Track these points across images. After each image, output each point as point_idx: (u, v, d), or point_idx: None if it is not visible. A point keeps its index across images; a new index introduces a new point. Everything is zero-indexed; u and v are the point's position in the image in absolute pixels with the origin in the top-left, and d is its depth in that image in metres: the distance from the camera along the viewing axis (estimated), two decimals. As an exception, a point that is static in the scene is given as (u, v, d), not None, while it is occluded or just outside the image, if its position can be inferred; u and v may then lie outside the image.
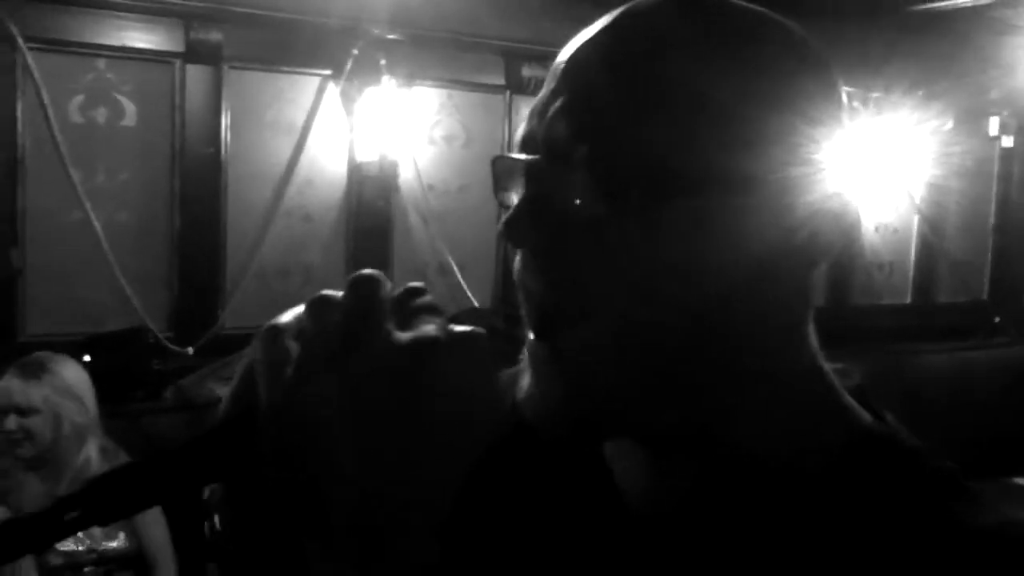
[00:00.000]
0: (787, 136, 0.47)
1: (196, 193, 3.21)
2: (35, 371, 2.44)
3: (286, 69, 3.34)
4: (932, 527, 0.47)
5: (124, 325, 3.08)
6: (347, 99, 3.42)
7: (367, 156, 3.44)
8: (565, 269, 0.48)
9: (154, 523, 2.49)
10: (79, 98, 3.06)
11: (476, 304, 3.65)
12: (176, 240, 3.20)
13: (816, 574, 0.47)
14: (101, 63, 3.09)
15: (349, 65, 3.36)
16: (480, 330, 0.41)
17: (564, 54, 0.51)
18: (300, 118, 3.36)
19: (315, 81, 3.38)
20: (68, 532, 0.40)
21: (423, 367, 0.38)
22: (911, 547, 0.46)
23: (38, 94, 2.97)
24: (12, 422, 2.38)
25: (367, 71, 3.38)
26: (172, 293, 3.22)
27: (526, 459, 0.56)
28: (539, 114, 0.50)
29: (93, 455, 2.55)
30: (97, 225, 3.05)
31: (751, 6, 0.50)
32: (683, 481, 0.52)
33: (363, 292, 0.40)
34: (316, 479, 0.38)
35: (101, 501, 0.40)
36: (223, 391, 2.52)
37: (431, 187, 3.60)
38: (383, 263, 3.53)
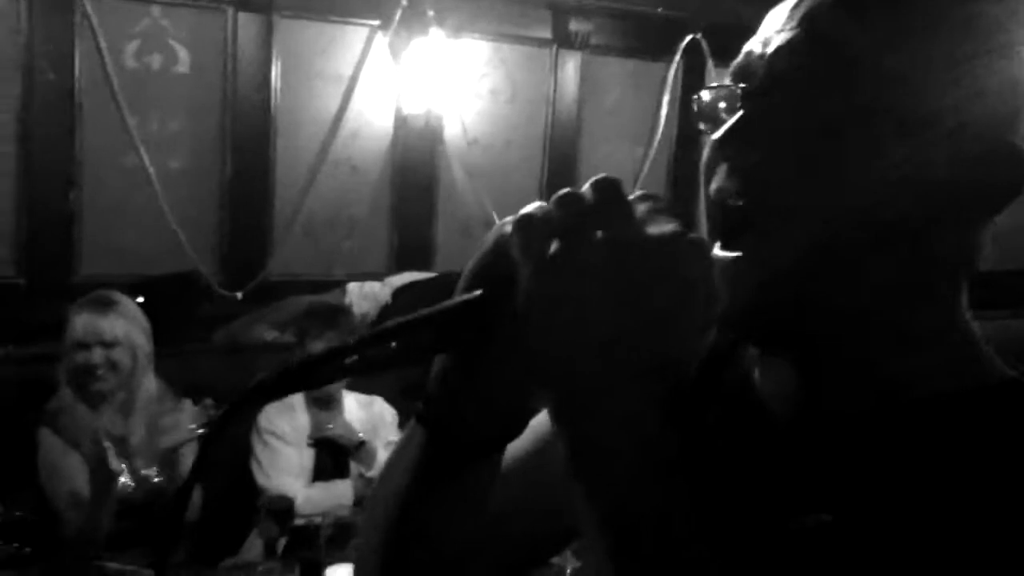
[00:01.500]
0: (989, 86, 0.52)
1: (246, 141, 3.26)
2: (109, 306, 2.55)
3: (335, 19, 3.36)
4: None
5: (175, 268, 3.16)
6: (395, 50, 3.43)
7: (413, 109, 3.46)
8: (769, 183, 0.53)
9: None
10: (134, 43, 3.11)
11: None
12: (226, 187, 3.26)
13: (952, 498, 0.51)
14: (156, 9, 3.13)
15: (398, 15, 3.37)
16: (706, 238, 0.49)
17: (786, 5, 0.57)
18: (348, 68, 3.39)
19: (364, 31, 3.40)
20: (347, 374, 0.51)
21: (670, 253, 0.46)
22: None
23: (95, 38, 3.02)
24: (98, 355, 2.49)
25: (415, 22, 3.39)
26: (222, 239, 3.29)
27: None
28: (761, 47, 0.56)
29: (153, 386, 2.66)
30: (151, 170, 3.12)
31: None
32: (835, 402, 0.57)
33: (609, 187, 0.47)
34: (571, 330, 0.45)
35: (378, 350, 0.49)
36: (270, 335, 2.58)
37: (475, 141, 3.62)
38: (427, 216, 3.58)
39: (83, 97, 3.03)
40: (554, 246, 0.46)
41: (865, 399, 0.56)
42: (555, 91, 3.72)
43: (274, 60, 3.27)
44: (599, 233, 0.46)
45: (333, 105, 3.37)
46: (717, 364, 0.64)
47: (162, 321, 2.90)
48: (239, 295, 3.27)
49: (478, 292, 0.50)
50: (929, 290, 0.56)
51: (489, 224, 3.66)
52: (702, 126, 0.59)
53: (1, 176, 2.99)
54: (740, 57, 0.58)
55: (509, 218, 0.50)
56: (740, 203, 0.54)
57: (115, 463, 2.55)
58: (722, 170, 0.56)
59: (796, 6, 0.56)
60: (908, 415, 0.55)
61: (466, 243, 3.65)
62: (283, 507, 2.25)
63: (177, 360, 2.95)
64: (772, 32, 0.57)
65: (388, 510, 0.61)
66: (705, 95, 0.59)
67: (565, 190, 0.48)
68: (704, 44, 3.92)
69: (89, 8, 2.99)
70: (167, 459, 2.55)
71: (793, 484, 0.57)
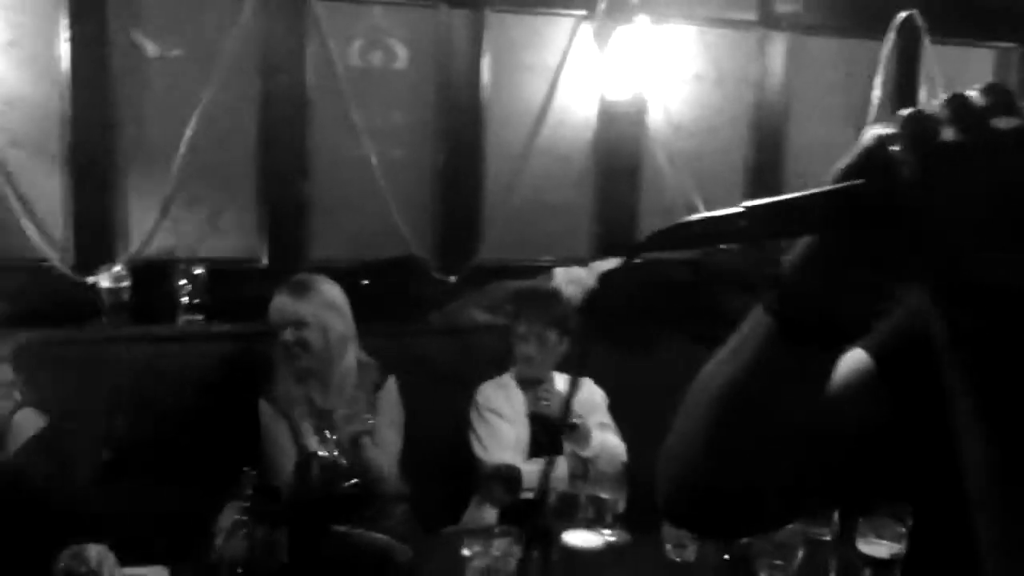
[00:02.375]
0: None
1: (459, 132, 3.40)
2: (302, 290, 2.75)
3: (543, 11, 3.45)
4: None
5: (394, 253, 3.34)
6: (600, 39, 3.48)
7: (617, 95, 3.50)
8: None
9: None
10: (358, 43, 3.32)
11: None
12: (440, 176, 3.42)
13: None
14: (377, 10, 3.32)
15: (603, 4, 3.42)
16: None
17: None
18: (555, 59, 3.47)
19: (570, 22, 3.47)
20: (739, 239, 0.56)
21: None
22: None
23: (322, 40, 3.25)
24: (289, 334, 2.70)
25: (620, 10, 3.43)
26: (436, 225, 3.44)
27: None
28: None
29: (352, 364, 2.83)
30: (373, 161, 3.31)
31: None
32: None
33: (1002, 89, 0.50)
34: (976, 210, 0.48)
35: (767, 217, 0.54)
36: (482, 318, 2.70)
37: (679, 127, 3.61)
38: (631, 202, 3.60)
39: (313, 94, 3.26)
40: (952, 134, 0.48)
41: None
42: (761, 74, 3.66)
43: (484, 53, 3.40)
44: (1001, 122, 0.47)
45: (540, 95, 3.46)
46: None
47: (384, 302, 3.08)
48: (452, 278, 3.41)
49: (859, 180, 0.53)
50: None
51: (692, 209, 3.64)
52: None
53: (244, 170, 3.26)
54: None
55: (878, 125, 0.52)
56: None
57: (311, 438, 2.74)
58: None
59: None
60: None
61: (670, 229, 3.65)
62: (513, 475, 2.33)
63: (396, 340, 3.13)
64: None
65: (723, 391, 0.66)
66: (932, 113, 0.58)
67: (947, 95, 0.50)
68: (919, 20, 3.73)
69: (318, 11, 3.22)
70: (353, 442, 2.71)
71: None
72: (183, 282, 3.18)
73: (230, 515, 2.81)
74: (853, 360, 0.71)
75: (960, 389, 0.50)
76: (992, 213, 0.48)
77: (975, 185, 0.48)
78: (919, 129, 0.50)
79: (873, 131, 0.54)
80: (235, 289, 3.25)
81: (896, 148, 0.51)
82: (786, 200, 0.55)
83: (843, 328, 0.61)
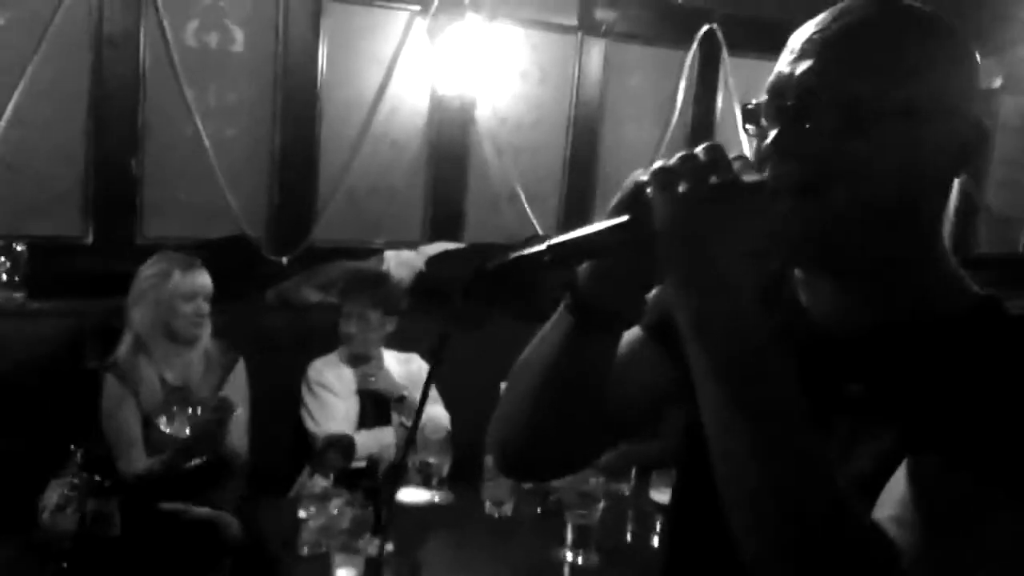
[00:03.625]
0: (950, 84, 0.80)
1: (295, 115, 3.50)
2: (198, 265, 2.91)
3: (379, 3, 3.59)
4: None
5: (227, 232, 3.41)
6: (432, 33, 3.67)
7: (448, 89, 3.70)
8: (813, 163, 0.79)
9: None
10: (194, 23, 3.34)
11: (539, 231, 3.94)
12: (276, 158, 3.50)
13: (950, 388, 0.76)
14: (214, -9, 3.36)
15: (436, 1, 3.61)
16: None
17: (804, 32, 0.83)
18: (389, 50, 3.62)
19: (405, 15, 3.63)
20: (546, 268, 0.75)
21: (757, 193, 0.71)
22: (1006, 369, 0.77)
23: (159, 19, 3.26)
24: (204, 305, 2.83)
25: (452, 7, 3.63)
26: (271, 205, 3.53)
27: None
28: (788, 71, 0.82)
29: (208, 343, 2.95)
30: (206, 140, 3.36)
31: (924, 7, 0.83)
32: (862, 316, 0.85)
33: (717, 149, 0.73)
34: (692, 240, 0.71)
35: (564, 252, 0.75)
36: (315, 297, 2.88)
37: (504, 120, 3.86)
38: (460, 189, 3.82)
39: (146, 72, 3.27)
40: (683, 186, 0.71)
41: (888, 310, 0.84)
42: (580, 75, 3.96)
43: (322, 41, 3.51)
44: (712, 178, 0.71)
45: (375, 84, 3.61)
46: (775, 283, 0.90)
47: (218, 280, 3.16)
48: (284, 259, 3.51)
49: (626, 217, 0.76)
50: (929, 231, 0.84)
51: (514, 198, 3.92)
52: (749, 128, 0.84)
53: (74, 143, 3.23)
54: (773, 76, 0.84)
55: (640, 170, 0.76)
56: (794, 176, 0.80)
57: (167, 415, 2.83)
58: (775, 162, 0.81)
59: (810, 39, 0.81)
60: (918, 331, 0.82)
61: (494, 216, 3.90)
62: (348, 442, 2.51)
63: (233, 317, 3.21)
64: (796, 55, 0.82)
65: (535, 374, 0.89)
66: (750, 105, 0.84)
67: (684, 152, 0.74)
68: (719, 34, 4.16)
69: (152, -12, 3.22)
70: (221, 408, 2.83)
71: (831, 366, 0.84)
72: (1, 259, 3.12)
73: (56, 491, 2.83)
74: (631, 336, 0.96)
75: (690, 358, 0.74)
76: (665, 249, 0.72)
77: (687, 227, 0.71)
78: (663, 181, 0.72)
79: (633, 176, 0.77)
80: (60, 266, 3.22)
81: (649, 192, 0.73)
82: (576, 237, 0.76)
83: (623, 316, 0.86)
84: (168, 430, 2.75)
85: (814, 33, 0.82)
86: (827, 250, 0.82)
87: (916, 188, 0.81)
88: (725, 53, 4.19)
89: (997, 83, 4.68)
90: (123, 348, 2.88)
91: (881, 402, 0.81)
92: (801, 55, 0.81)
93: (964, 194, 4.87)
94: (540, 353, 0.89)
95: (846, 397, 0.82)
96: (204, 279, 2.88)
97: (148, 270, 2.89)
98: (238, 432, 2.86)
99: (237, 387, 2.96)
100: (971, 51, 0.83)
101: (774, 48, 0.88)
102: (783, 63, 0.83)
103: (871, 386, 0.82)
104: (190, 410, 2.84)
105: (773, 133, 0.81)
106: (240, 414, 2.83)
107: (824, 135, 0.78)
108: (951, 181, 0.84)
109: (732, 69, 4.18)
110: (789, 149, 0.80)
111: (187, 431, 2.81)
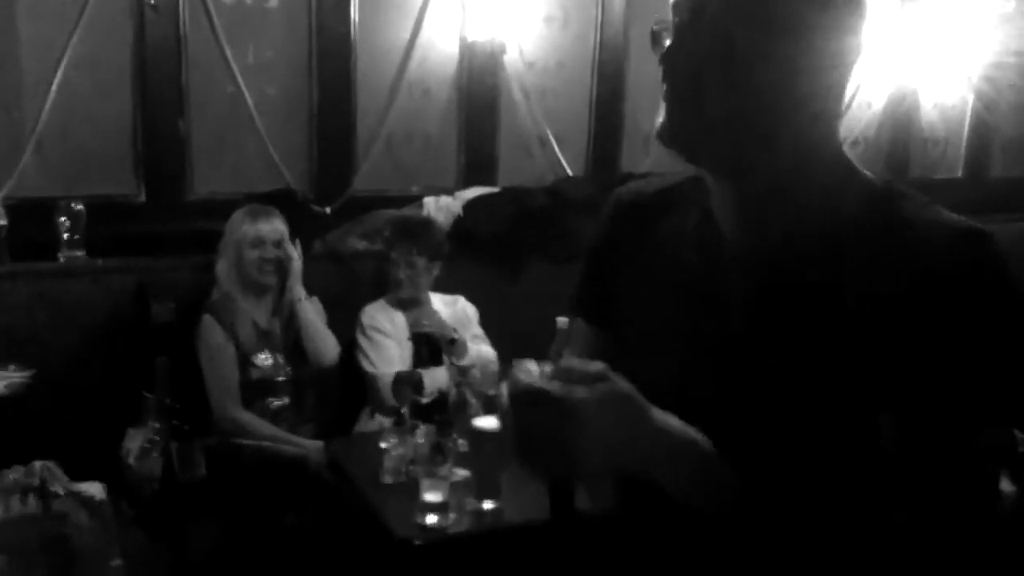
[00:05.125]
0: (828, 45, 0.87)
1: (331, 69, 3.58)
2: (271, 213, 3.08)
3: (409, -47, 3.65)
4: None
5: (273, 187, 3.52)
6: (460, -19, 3.72)
7: (477, 35, 3.77)
8: (699, 76, 0.87)
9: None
10: (230, -19, 3.41)
11: (570, 173, 4.04)
12: (315, 111, 3.60)
13: (857, 280, 0.87)
14: (248, -53, 3.42)
15: (463, -51, 3.66)
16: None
17: None
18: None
19: (434, -36, 3.69)
20: None
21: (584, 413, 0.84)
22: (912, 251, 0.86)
23: (195, -23, 3.33)
24: (271, 250, 3.00)
25: (479, -46, 3.67)
26: (311, 158, 3.63)
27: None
28: None
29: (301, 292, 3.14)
30: (248, 98, 3.45)
31: None
32: (765, 225, 0.92)
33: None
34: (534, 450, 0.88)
35: None
36: (360, 245, 3.05)
37: (532, 64, 3.94)
38: (491, 135, 3.92)
39: (187, 33, 3.35)
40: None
41: (788, 216, 0.91)
42: (603, 17, 4.01)
43: (353, -7, 3.57)
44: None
45: (406, 34, 3.68)
46: (690, 193, 1.01)
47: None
48: (328, 210, 3.63)
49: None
50: (816, 135, 0.91)
51: (544, 141, 4.01)
52: (655, 48, 0.92)
53: (122, 107, 3.32)
54: None
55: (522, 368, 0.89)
56: (681, 89, 0.90)
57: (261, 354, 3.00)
58: (663, 72, 0.90)
59: None
60: (819, 228, 0.90)
61: (526, 160, 4.00)
62: (417, 378, 2.65)
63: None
64: None
65: None
66: (656, 27, 0.92)
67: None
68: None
69: (188, -51, 3.29)
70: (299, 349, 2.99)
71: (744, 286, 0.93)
72: (63, 219, 3.24)
73: (136, 438, 3.00)
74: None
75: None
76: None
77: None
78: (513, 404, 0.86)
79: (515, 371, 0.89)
80: (114, 225, 3.34)
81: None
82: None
83: None
84: (266, 364, 2.98)
85: None
86: (710, 156, 0.91)
87: (788, 103, 0.87)
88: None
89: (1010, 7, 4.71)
90: (216, 293, 3.05)
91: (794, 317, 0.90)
92: None
93: (977, 118, 4.93)
94: None
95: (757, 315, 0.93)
96: (269, 226, 3.02)
97: (230, 222, 3.04)
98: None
99: (317, 311, 3.17)
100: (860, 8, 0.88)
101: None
102: None
103: (780, 305, 0.91)
104: (271, 351, 3.03)
105: (667, 47, 0.90)
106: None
107: (699, 54, 0.87)
108: (836, 88, 0.90)
109: None
110: (671, 60, 0.89)
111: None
